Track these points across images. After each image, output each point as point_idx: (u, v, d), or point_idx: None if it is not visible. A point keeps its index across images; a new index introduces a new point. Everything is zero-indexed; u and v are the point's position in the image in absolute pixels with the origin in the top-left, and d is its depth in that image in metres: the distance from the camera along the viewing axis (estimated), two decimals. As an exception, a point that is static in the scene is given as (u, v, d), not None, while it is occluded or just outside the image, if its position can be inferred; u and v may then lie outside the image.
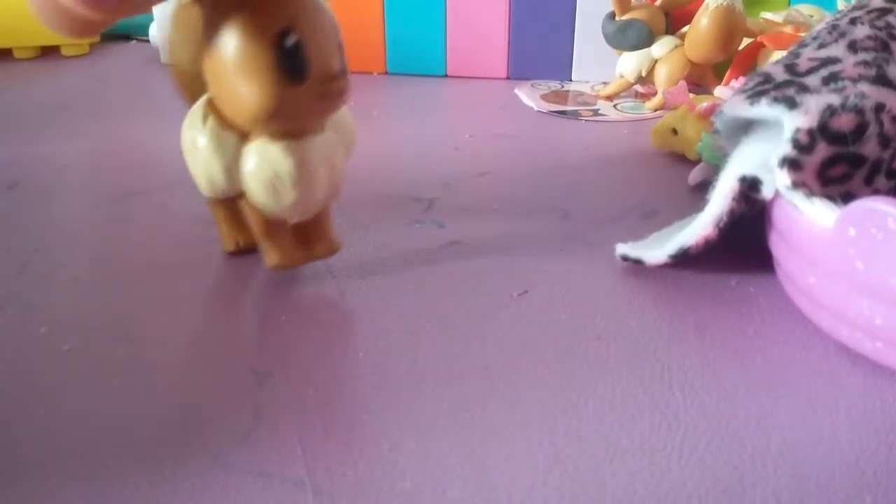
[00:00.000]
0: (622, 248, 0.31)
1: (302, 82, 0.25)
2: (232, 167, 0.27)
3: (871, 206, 0.22)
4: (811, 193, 0.25)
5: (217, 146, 0.27)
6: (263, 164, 0.27)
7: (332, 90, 0.25)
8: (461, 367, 0.25)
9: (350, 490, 0.20)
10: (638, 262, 0.31)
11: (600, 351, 0.26)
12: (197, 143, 0.28)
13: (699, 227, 0.28)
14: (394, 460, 0.21)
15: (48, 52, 0.71)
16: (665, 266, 0.31)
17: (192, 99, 0.31)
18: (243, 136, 0.27)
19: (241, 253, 0.32)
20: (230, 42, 0.25)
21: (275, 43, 0.24)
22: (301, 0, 0.25)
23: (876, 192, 0.28)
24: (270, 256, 0.29)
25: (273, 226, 0.29)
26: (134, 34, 0.76)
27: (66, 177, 0.42)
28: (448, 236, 0.34)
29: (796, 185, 0.26)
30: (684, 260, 0.30)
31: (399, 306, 0.29)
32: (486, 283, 0.30)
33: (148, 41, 0.73)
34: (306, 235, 0.30)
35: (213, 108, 0.27)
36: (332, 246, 0.30)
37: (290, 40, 0.24)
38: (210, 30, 0.25)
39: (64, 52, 0.70)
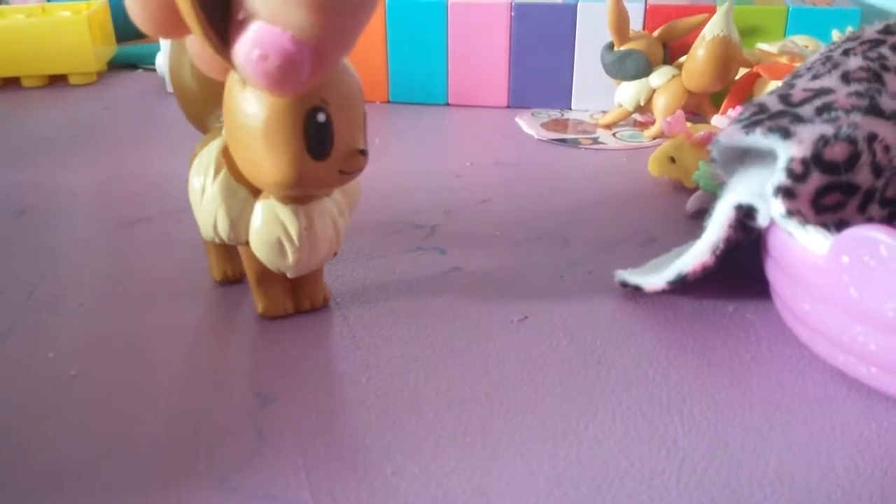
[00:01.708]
0: (621, 275, 0.32)
1: (325, 158, 0.25)
2: (239, 220, 0.27)
3: (864, 234, 0.23)
4: (805, 221, 0.26)
5: (226, 199, 0.27)
6: (272, 225, 0.27)
7: (353, 167, 0.25)
8: (462, 392, 0.25)
9: (353, 513, 0.20)
10: (637, 289, 0.31)
11: (600, 376, 0.26)
12: (205, 192, 0.27)
13: (697, 254, 0.29)
14: (396, 484, 0.21)
15: (56, 80, 0.72)
16: (663, 292, 0.31)
17: (196, 120, 0.31)
18: (255, 191, 0.27)
19: (230, 282, 0.32)
20: (260, 110, 0.24)
21: (305, 119, 0.24)
22: (336, 76, 0.25)
23: (870, 220, 0.28)
24: (260, 303, 0.30)
25: (267, 274, 0.29)
26: (140, 63, 0.77)
27: (73, 203, 0.43)
28: (449, 263, 0.35)
29: (791, 213, 0.26)
30: (682, 286, 0.30)
31: (401, 332, 0.29)
32: (487, 309, 0.31)
33: (154, 70, 0.74)
34: (298, 285, 0.30)
35: (227, 158, 0.27)
36: (323, 298, 0.31)
37: (321, 118, 0.24)
38: (239, 92, 0.25)
39: (71, 80, 0.71)
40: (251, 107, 0.24)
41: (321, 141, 0.24)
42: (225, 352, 0.28)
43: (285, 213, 0.27)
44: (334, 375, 0.26)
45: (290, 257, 0.27)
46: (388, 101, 0.65)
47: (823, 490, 0.21)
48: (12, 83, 0.71)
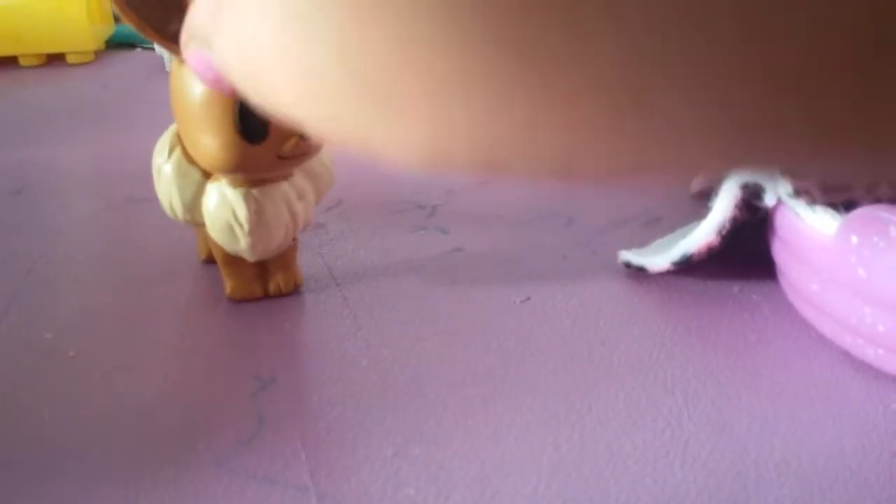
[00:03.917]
0: (625, 255, 0.31)
1: (260, 142, 0.24)
2: (193, 201, 0.27)
3: (874, 214, 0.22)
4: (813, 201, 0.25)
5: (180, 179, 0.27)
6: (221, 207, 0.26)
7: (292, 151, 0.25)
8: (464, 373, 0.25)
9: (354, 496, 0.20)
10: (641, 269, 0.31)
11: (603, 357, 0.26)
12: (162, 171, 0.27)
13: (702, 235, 0.29)
14: (397, 466, 0.21)
15: (53, 59, 0.71)
16: (668, 273, 0.31)
17: None
18: (207, 173, 0.27)
19: (214, 262, 0.32)
20: (197, 92, 0.24)
21: (235, 101, 0.24)
22: None
23: (878, 200, 0.28)
24: (227, 285, 0.29)
25: (232, 256, 0.28)
26: (138, 43, 0.77)
27: (71, 182, 0.42)
28: (451, 243, 0.34)
29: (798, 192, 0.26)
30: (687, 267, 0.30)
31: (402, 312, 0.29)
32: (490, 290, 0.30)
33: (152, 49, 0.73)
34: (268, 268, 0.29)
35: (179, 140, 0.27)
36: (293, 281, 0.30)
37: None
38: (180, 73, 0.25)
39: (69, 59, 0.71)
40: (190, 88, 0.24)
41: (252, 124, 0.24)
42: (224, 332, 0.28)
43: (234, 197, 0.26)
44: (335, 356, 0.26)
45: (242, 241, 0.27)
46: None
47: (830, 472, 0.21)
48: (10, 62, 0.70)
